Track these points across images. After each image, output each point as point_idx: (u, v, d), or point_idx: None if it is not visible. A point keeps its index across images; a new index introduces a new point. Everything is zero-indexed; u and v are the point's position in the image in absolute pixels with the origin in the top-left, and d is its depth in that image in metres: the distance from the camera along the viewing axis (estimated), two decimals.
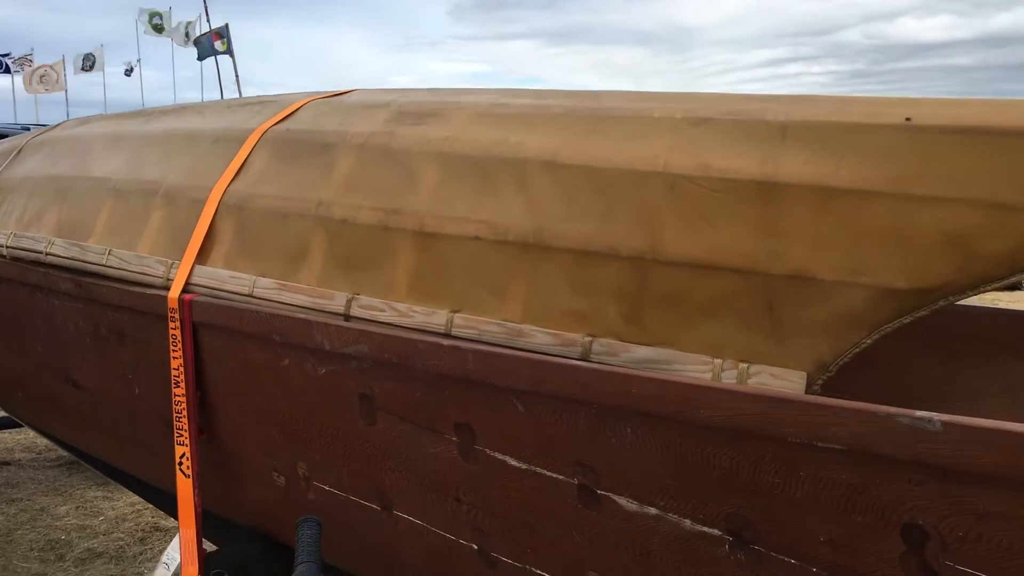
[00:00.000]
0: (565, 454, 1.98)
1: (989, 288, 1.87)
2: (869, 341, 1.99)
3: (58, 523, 5.92)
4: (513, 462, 2.06)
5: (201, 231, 2.79)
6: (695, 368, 2.08)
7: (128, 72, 36.68)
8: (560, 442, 1.98)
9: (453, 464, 2.18)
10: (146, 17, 33.14)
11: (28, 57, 39.92)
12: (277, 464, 2.68)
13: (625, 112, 2.29)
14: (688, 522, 1.81)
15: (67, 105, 39.26)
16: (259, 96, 3.45)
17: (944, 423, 1.46)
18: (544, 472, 2.01)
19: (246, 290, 2.64)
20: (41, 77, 38.88)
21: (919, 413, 1.49)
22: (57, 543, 5.62)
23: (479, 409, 2.10)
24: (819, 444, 1.60)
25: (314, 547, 2.24)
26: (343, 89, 3.23)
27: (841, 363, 2.01)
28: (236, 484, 2.91)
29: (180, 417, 2.77)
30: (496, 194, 2.33)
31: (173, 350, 2.74)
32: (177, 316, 2.71)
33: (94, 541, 5.62)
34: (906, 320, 1.95)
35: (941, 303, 1.91)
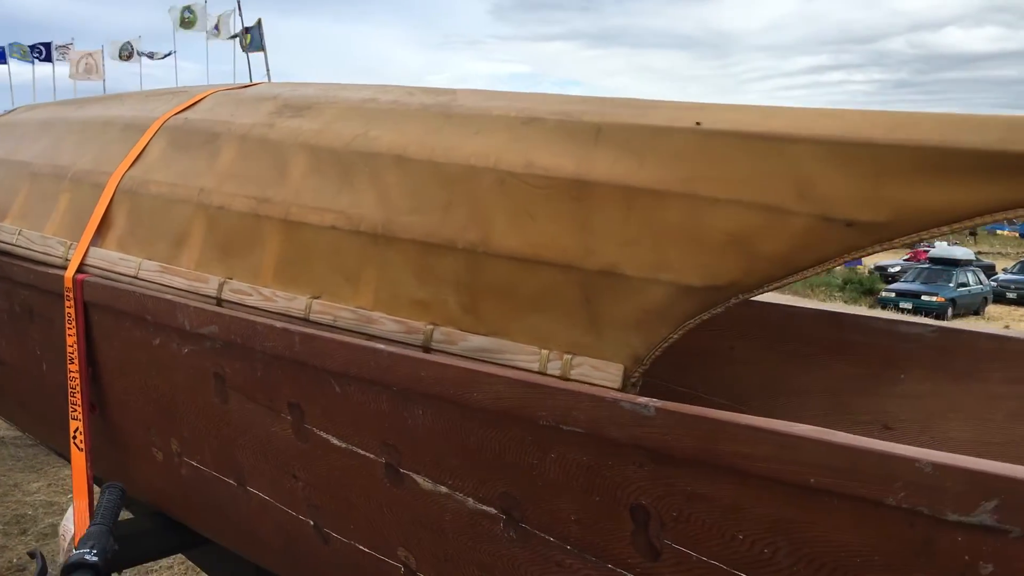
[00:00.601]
0: (374, 434, 2.07)
1: (772, 287, 1.94)
2: (675, 336, 2.07)
3: (28, 499, 6.12)
4: (335, 440, 2.16)
5: (98, 214, 2.92)
6: (524, 358, 2.18)
7: (156, 56, 37.20)
8: (369, 422, 2.07)
9: (289, 442, 2.28)
10: (177, 13, 33.61)
11: (69, 46, 40.65)
12: (155, 440, 2.80)
13: (473, 110, 2.38)
14: (471, 500, 1.90)
15: (104, 92, 39.79)
16: (179, 87, 3.58)
17: (657, 408, 1.54)
18: (358, 451, 2.11)
19: (132, 272, 2.77)
20: (86, 65, 39.63)
21: (640, 399, 1.57)
22: (23, 518, 5.81)
23: (306, 389, 2.20)
24: (564, 427, 1.68)
25: (109, 512, 2.38)
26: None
27: (653, 356, 2.09)
28: (125, 459, 3.03)
29: (74, 392, 2.91)
30: (352, 186, 2.43)
31: (68, 328, 2.87)
32: (71, 295, 2.84)
33: (59, 517, 5.78)
34: (704, 316, 2.03)
35: (732, 301, 1.98)
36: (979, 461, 1.25)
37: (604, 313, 2.10)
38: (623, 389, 2.13)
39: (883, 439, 2.34)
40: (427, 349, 2.27)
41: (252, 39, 30.68)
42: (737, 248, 1.92)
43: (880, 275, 32.65)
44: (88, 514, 2.95)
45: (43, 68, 42.21)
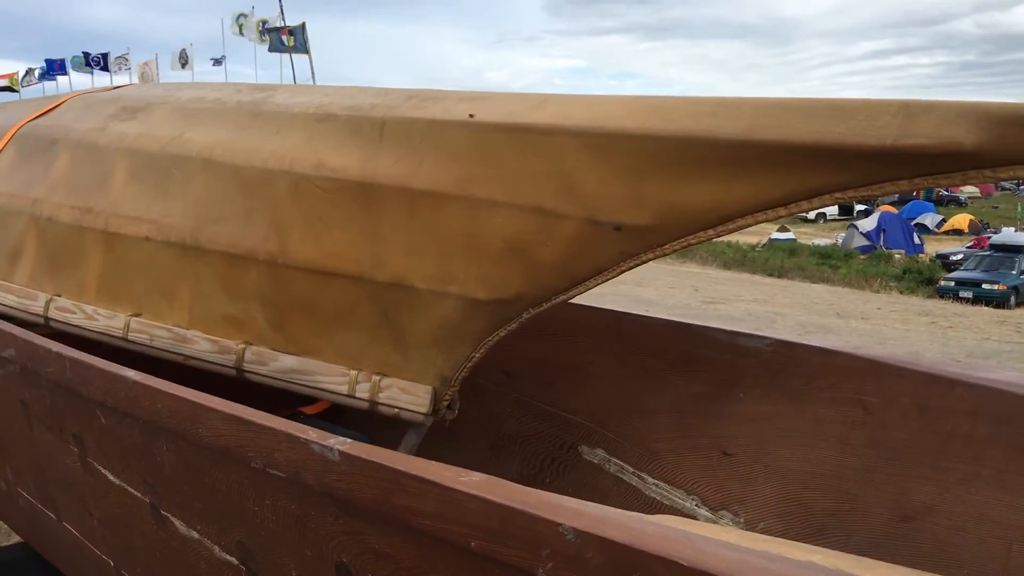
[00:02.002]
0: (136, 471, 1.87)
1: (559, 299, 1.69)
2: (478, 355, 1.85)
3: None
4: (111, 477, 1.96)
5: None
6: (333, 380, 1.99)
7: (216, 63, 37.77)
8: (131, 457, 1.88)
9: (80, 477, 2.10)
10: (233, 19, 34.01)
11: (125, 57, 41.43)
12: None
13: (280, 107, 2.17)
14: (217, 549, 1.69)
15: None
16: (57, 94, 3.43)
17: (341, 453, 1.31)
18: (129, 489, 1.91)
19: None
20: (141, 74, 40.35)
21: (330, 440, 1.34)
22: None
23: (83, 419, 2.01)
24: (270, 471, 1.46)
25: None
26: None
27: (461, 376, 1.88)
28: None
29: None
30: (166, 193, 2.24)
31: None
32: None
33: None
34: (502, 334, 1.80)
35: (524, 315, 1.75)
36: (629, 523, 1.00)
37: (406, 329, 1.89)
38: (433, 413, 1.92)
39: (720, 468, 2.10)
40: (239, 371, 2.08)
41: (296, 42, 30.78)
42: (515, 257, 1.69)
43: (941, 263, 31.56)
44: None
45: (102, 78, 43.06)
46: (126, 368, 1.83)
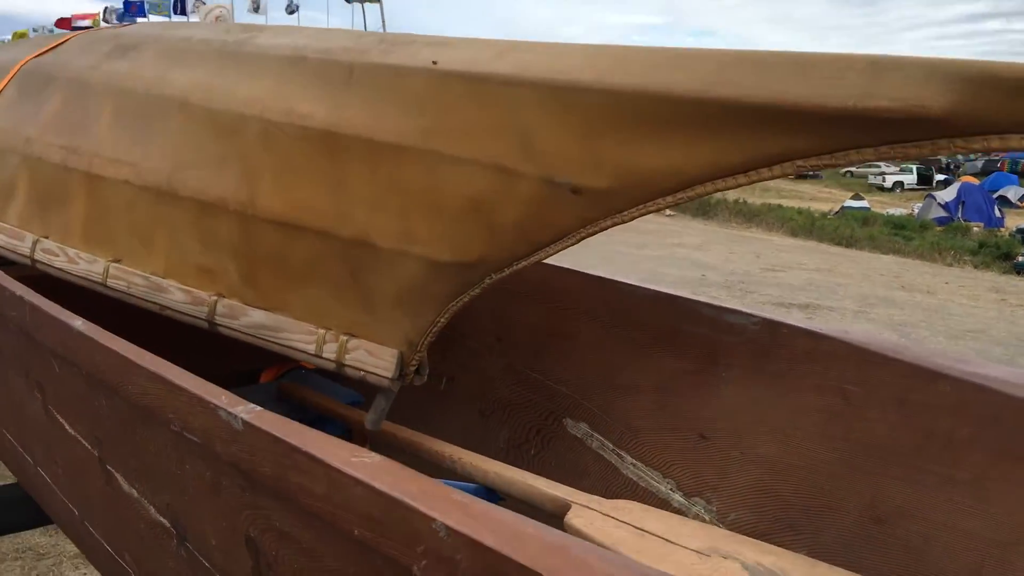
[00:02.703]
0: (87, 423, 1.81)
1: (521, 265, 1.57)
2: (443, 320, 1.74)
3: None
4: (67, 427, 1.91)
5: None
6: (301, 338, 1.91)
7: (290, 11, 37.89)
8: (82, 409, 1.82)
9: (45, 425, 2.05)
10: None
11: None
12: None
13: (260, 48, 2.06)
14: (152, 509, 1.62)
15: None
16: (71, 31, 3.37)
17: (244, 422, 1.21)
18: (82, 441, 1.85)
19: None
20: (216, 17, 40.74)
21: (237, 407, 1.24)
22: None
23: (42, 367, 1.96)
24: (186, 435, 1.37)
25: None
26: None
27: (427, 341, 1.78)
28: None
29: None
30: (146, 135, 2.17)
31: None
32: None
33: None
34: (465, 300, 1.69)
35: (487, 281, 1.63)
36: (507, 526, 0.88)
37: (372, 289, 1.79)
38: (400, 378, 1.82)
39: (697, 451, 1.96)
40: (212, 324, 2.01)
41: None
42: (476, 218, 1.57)
43: (1021, 238, 30.43)
44: None
45: (180, 21, 43.70)
46: (75, 316, 1.75)
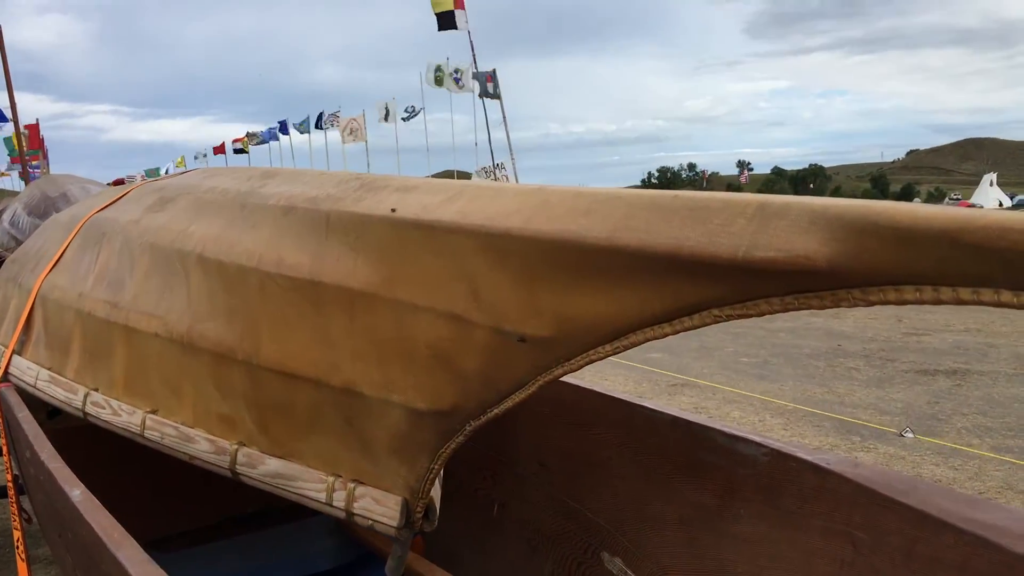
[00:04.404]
0: None
1: (495, 414, 1.48)
2: (437, 467, 1.68)
3: None
4: None
5: (21, 321, 2.89)
6: (313, 487, 1.91)
7: (406, 118, 39.30)
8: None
9: None
10: (430, 70, 35.39)
11: (336, 115, 43.98)
12: None
13: (264, 198, 2.09)
14: None
15: (367, 154, 42.84)
16: (155, 179, 3.52)
17: None
18: None
19: (32, 381, 2.71)
20: (351, 131, 42.66)
21: None
22: None
23: (59, 525, 1.98)
24: None
25: None
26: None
27: (427, 488, 1.72)
28: None
29: (11, 503, 2.88)
30: (171, 288, 2.23)
31: None
32: None
33: None
34: (452, 446, 1.62)
35: (468, 428, 1.57)
36: None
37: (369, 437, 1.76)
38: (407, 526, 1.76)
39: None
40: (234, 473, 2.02)
41: (494, 86, 31.58)
42: (443, 366, 1.52)
43: None
44: None
45: (317, 135, 45.97)
46: (78, 484, 1.79)
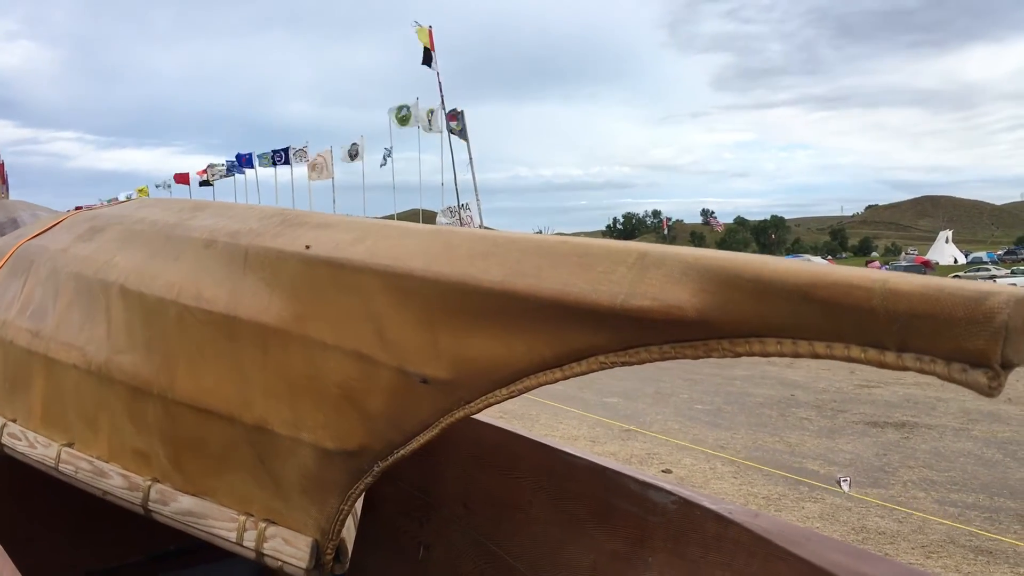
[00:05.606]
0: None
1: (402, 455, 1.46)
2: (347, 507, 1.65)
3: None
4: None
5: None
6: (223, 525, 1.86)
7: (383, 164, 39.45)
8: None
9: None
10: (394, 112, 35.74)
11: (303, 150, 43.97)
12: None
13: (187, 230, 2.06)
14: None
15: (333, 191, 42.77)
16: (76, 210, 3.48)
17: None
18: None
19: None
20: (315, 166, 42.67)
21: None
22: None
23: None
24: None
25: None
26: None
27: (337, 529, 1.69)
28: None
29: None
30: (92, 319, 2.18)
31: None
32: None
33: None
34: (361, 487, 1.60)
35: (376, 469, 1.54)
36: None
37: (280, 476, 1.73)
38: (316, 568, 1.73)
39: None
40: (146, 510, 1.97)
41: (460, 126, 31.94)
42: (350, 405, 1.50)
43: None
44: None
45: (283, 170, 45.87)
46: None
